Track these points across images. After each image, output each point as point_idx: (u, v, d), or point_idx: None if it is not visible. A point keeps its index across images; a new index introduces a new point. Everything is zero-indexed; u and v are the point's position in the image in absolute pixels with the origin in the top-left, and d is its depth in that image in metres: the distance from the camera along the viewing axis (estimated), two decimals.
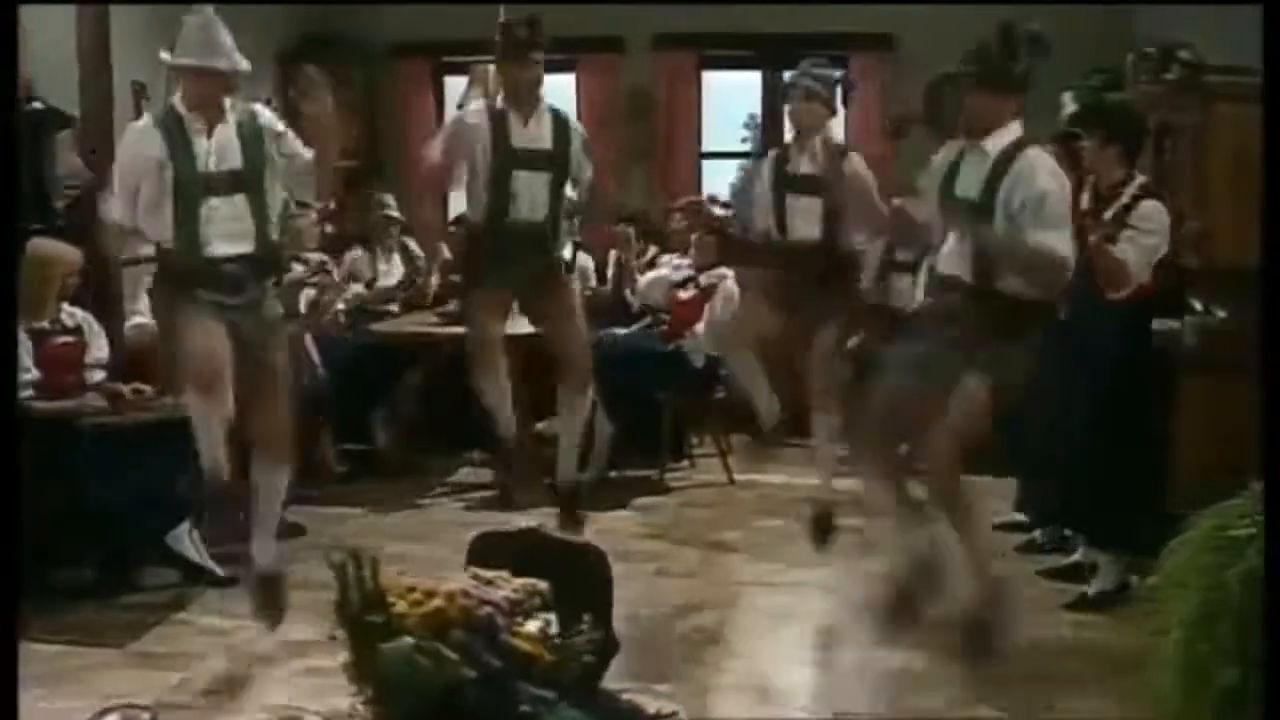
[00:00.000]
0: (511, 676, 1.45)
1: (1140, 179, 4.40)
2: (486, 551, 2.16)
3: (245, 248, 3.78)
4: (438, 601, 1.50)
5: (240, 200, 3.78)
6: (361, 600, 1.51)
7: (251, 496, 4.02)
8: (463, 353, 6.30)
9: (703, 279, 6.22)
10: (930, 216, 3.88)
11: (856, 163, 4.66)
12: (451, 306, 6.46)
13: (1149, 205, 4.28)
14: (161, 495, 4.47)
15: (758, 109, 8.23)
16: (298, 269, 5.54)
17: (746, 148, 8.61)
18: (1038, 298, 3.56)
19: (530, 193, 4.53)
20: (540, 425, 5.89)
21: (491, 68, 6.28)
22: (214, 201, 3.73)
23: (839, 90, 4.71)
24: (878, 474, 3.79)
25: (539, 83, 4.60)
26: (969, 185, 3.63)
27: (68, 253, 4.60)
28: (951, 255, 3.67)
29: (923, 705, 3.66)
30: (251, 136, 3.82)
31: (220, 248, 3.74)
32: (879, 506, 3.85)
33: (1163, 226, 4.28)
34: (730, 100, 8.19)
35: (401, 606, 1.44)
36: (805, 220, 4.65)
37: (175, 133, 3.72)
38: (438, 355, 6.34)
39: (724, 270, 6.23)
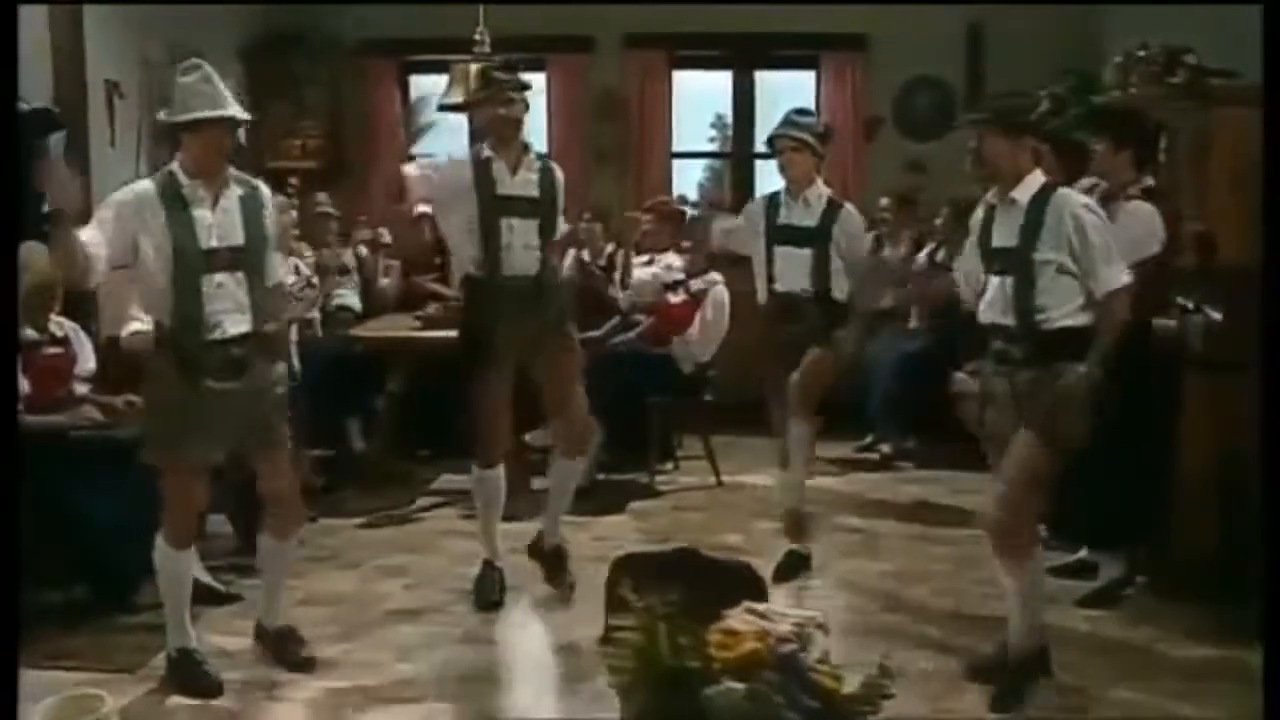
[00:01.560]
0: (830, 715, 1.39)
1: (1146, 182, 4.44)
2: (636, 572, 2.08)
3: (244, 326, 3.67)
4: (751, 643, 1.42)
5: (241, 277, 3.66)
6: (673, 645, 1.42)
7: (259, 561, 4.03)
8: (441, 357, 6.29)
9: (693, 284, 6.17)
10: (971, 273, 3.90)
11: (850, 214, 4.68)
12: (431, 310, 6.39)
13: (1136, 204, 4.32)
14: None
15: (724, 109, 8.24)
16: (290, 279, 5.37)
17: (714, 148, 8.61)
18: (1084, 324, 3.58)
19: (522, 242, 4.39)
20: (527, 436, 5.82)
21: (472, 66, 6.23)
22: (218, 278, 3.61)
23: (824, 136, 4.72)
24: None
25: (520, 124, 4.44)
26: (1003, 235, 3.68)
27: None
28: (995, 304, 3.69)
29: (956, 706, 3.67)
30: (254, 211, 3.71)
31: (223, 328, 3.62)
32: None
33: (1150, 229, 4.31)
34: (698, 101, 8.16)
35: (710, 649, 1.37)
36: (796, 273, 4.65)
37: (177, 205, 3.57)
38: (416, 360, 6.22)
39: (715, 276, 6.20)
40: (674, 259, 6.37)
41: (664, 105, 7.71)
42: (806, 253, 4.65)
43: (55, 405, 4.38)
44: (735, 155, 8.04)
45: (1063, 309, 3.61)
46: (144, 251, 3.55)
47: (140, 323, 5.02)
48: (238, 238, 3.65)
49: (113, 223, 3.52)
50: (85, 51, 5.14)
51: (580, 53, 7.62)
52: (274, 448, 3.81)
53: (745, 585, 1.75)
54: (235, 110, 3.59)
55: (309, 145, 7.50)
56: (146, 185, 3.63)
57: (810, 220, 4.66)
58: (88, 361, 4.62)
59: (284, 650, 3.96)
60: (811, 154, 4.66)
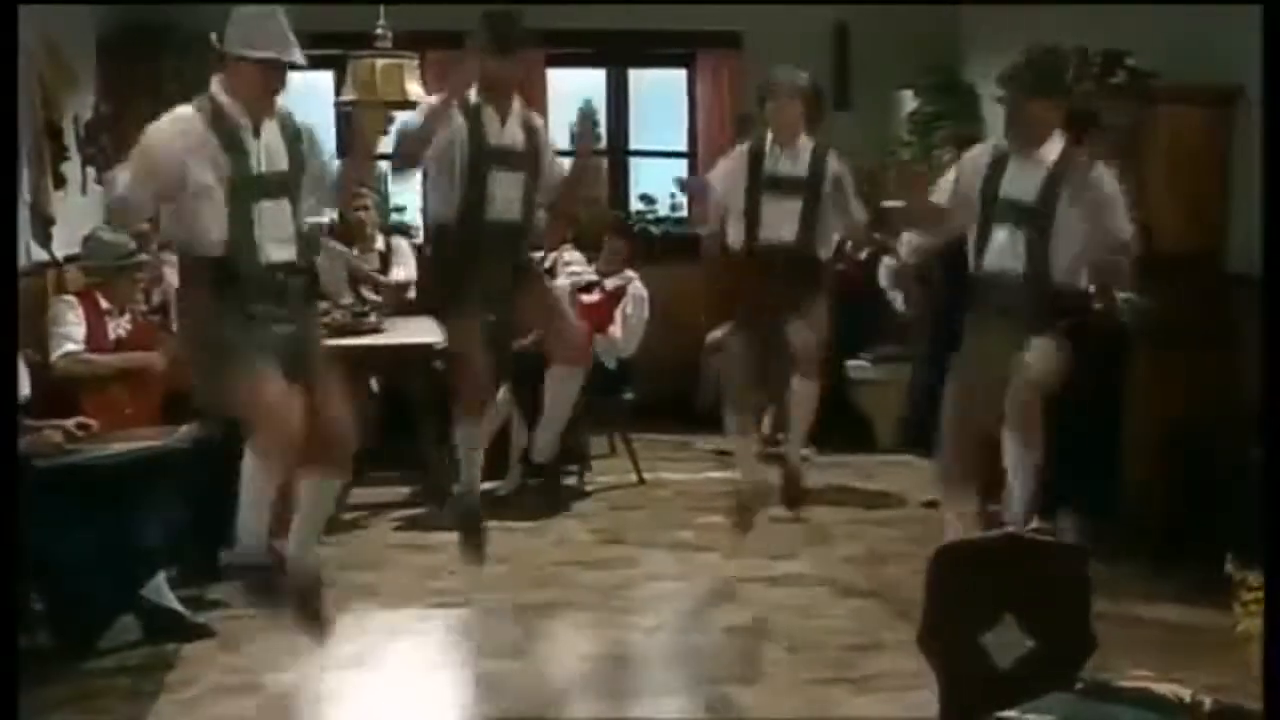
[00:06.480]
0: None
1: None
2: (959, 562, 2.07)
3: (290, 255, 3.55)
4: None
5: (285, 205, 3.53)
6: None
7: (296, 502, 3.68)
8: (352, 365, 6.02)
9: (608, 283, 6.14)
10: (964, 215, 4.02)
11: (837, 162, 4.70)
12: (336, 315, 6.12)
13: None
14: (129, 544, 3.98)
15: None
16: None
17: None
18: (1087, 286, 3.80)
19: (505, 192, 4.28)
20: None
21: (378, 62, 6.04)
22: (265, 204, 3.48)
23: (817, 93, 4.77)
24: (960, 473, 3.92)
25: (516, 82, 4.39)
26: (1019, 189, 3.83)
27: None
28: (1003, 252, 3.84)
29: None
30: (293, 137, 3.57)
31: (272, 254, 3.49)
32: (956, 505, 3.97)
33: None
34: (565, 99, 8.08)
35: None
36: (782, 223, 4.65)
37: (225, 129, 3.42)
38: None
39: (630, 273, 6.19)
40: (578, 264, 6.32)
41: (540, 103, 7.60)
42: (795, 203, 4.62)
43: None
44: (610, 152, 8.03)
45: (1072, 264, 3.81)
46: (194, 179, 3.37)
47: (73, 343, 4.64)
48: (282, 163, 3.52)
49: (159, 157, 3.36)
50: None
51: (456, 49, 7.41)
52: (323, 375, 3.61)
53: (1077, 567, 1.78)
54: (299, 55, 3.47)
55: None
56: (188, 112, 3.45)
57: (799, 170, 4.64)
58: (24, 388, 4.20)
59: (304, 601, 3.62)
60: (803, 104, 4.66)
